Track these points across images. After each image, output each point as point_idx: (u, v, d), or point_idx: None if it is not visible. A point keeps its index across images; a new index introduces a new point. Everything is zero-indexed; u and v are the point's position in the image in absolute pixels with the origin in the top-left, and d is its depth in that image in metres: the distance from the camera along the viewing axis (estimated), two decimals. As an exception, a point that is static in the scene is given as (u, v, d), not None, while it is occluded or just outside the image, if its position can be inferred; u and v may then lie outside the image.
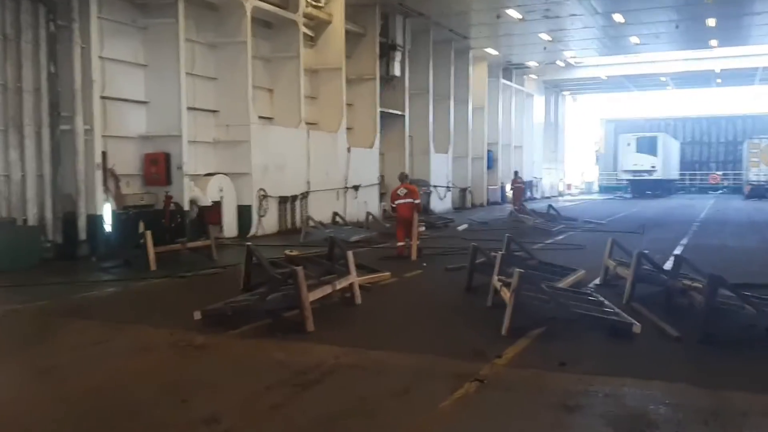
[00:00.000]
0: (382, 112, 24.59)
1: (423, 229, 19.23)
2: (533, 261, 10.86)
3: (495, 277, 8.58)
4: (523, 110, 40.67)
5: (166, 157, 15.86)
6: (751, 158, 41.14)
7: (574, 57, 38.39)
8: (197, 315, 7.86)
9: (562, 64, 39.91)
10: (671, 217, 26.04)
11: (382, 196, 24.76)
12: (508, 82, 37.78)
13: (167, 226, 15.37)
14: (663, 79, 44.27)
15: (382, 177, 24.97)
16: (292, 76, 20.11)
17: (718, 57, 38.20)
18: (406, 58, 25.96)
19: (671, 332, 7.18)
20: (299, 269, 7.62)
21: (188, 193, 16.10)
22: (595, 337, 7.17)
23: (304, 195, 20.23)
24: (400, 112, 26.03)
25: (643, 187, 43.38)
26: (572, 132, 53.90)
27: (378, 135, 24.35)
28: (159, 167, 15.81)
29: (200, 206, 16.53)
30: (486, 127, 34.34)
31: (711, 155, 54.03)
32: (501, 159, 36.37)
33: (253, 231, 18.18)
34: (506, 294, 7.60)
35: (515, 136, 38.83)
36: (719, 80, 44.61)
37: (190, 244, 13.69)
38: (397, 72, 25.39)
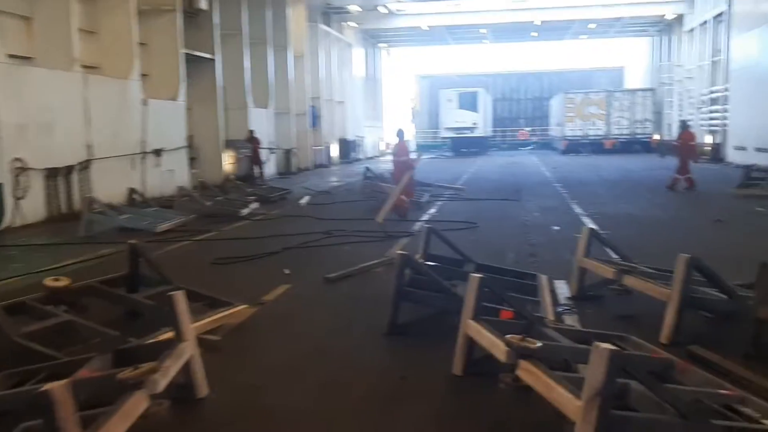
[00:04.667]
0: (187, 55, 19.19)
1: (256, 206, 14.57)
2: (471, 266, 6.93)
3: (480, 328, 4.47)
4: (344, 62, 36.71)
5: None
6: (566, 113, 41.12)
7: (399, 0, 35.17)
8: None
9: (384, 10, 36.36)
10: (519, 176, 23.84)
11: (192, 162, 19.49)
12: (329, 29, 33.47)
13: None
14: (483, 31, 42.75)
15: (191, 138, 19.64)
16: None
17: (538, 8, 37.16)
18: (214, -13, 20.64)
19: None
20: (56, 390, 2.90)
21: None
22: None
23: (84, 165, 14.50)
24: (209, 56, 20.72)
25: (463, 145, 41.79)
26: (390, 88, 51.17)
27: (183, 84, 18.93)
28: None
29: None
30: (308, 79, 29.85)
31: (520, 111, 54.49)
32: (325, 115, 32.20)
33: (6, 221, 12.33)
34: (538, 380, 3.58)
35: (337, 91, 34.83)
36: (535, 33, 44.09)
37: None
38: (203, 5, 20.01)
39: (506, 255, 9.19)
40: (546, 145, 47.98)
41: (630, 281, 6.06)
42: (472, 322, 4.60)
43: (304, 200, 16.18)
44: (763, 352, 4.92)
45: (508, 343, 3.92)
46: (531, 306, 5.96)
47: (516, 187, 19.18)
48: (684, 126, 19.83)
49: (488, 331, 4.37)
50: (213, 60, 20.97)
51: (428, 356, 5.08)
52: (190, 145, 19.51)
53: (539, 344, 3.87)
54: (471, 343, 4.64)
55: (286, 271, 8.15)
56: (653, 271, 6.34)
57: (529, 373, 3.76)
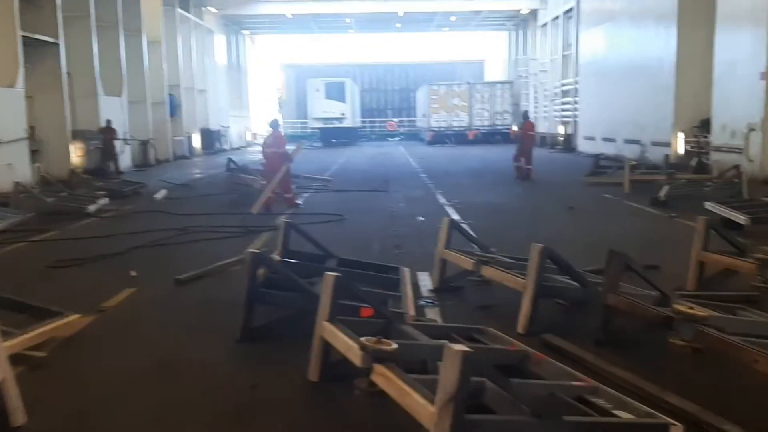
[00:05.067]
0: (25, 38, 17.42)
1: (105, 201, 13.52)
2: (333, 261, 6.67)
3: (336, 330, 4.20)
4: (204, 49, 35.20)
5: None
6: (431, 104, 41.96)
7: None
8: None
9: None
10: (387, 167, 23.94)
11: (35, 154, 17.81)
12: (186, 14, 31.93)
13: None
14: (348, 20, 42.61)
15: (32, 129, 17.92)
16: None
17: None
18: (54, -37, 18.89)
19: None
20: None
21: None
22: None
23: None
24: (51, 39, 18.98)
25: (332, 135, 41.56)
26: (255, 77, 49.86)
27: (22, 70, 17.20)
28: None
29: None
30: (165, 66, 28.30)
31: (388, 102, 55.04)
32: (185, 105, 30.73)
33: None
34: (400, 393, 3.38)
35: (198, 79, 33.36)
36: (399, 24, 44.59)
37: None
38: (42, -18, 18.29)
39: (371, 247, 9.03)
40: (413, 135, 48.77)
41: (488, 272, 6.05)
42: (327, 324, 4.33)
43: (160, 194, 15.23)
44: (612, 339, 5.04)
45: (362, 347, 3.68)
46: (392, 301, 5.80)
47: (384, 177, 19.18)
48: (525, 116, 20.80)
49: (343, 333, 4.12)
50: (56, 44, 19.24)
51: (283, 362, 4.76)
52: (32, 137, 17.80)
53: (395, 346, 3.66)
54: (327, 347, 4.38)
55: (133, 273, 7.49)
56: (511, 261, 6.39)
57: (383, 378, 3.54)
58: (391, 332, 4.52)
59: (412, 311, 5.39)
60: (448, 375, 2.99)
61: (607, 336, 5.06)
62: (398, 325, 4.60)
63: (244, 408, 4.10)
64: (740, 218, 9.38)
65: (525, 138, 19.09)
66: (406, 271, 6.71)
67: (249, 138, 45.36)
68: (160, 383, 4.53)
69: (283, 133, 14.69)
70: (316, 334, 4.41)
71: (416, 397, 3.24)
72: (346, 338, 4.04)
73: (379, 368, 3.59)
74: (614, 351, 4.85)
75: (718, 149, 17.53)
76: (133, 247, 9.01)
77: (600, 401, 3.78)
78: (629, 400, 3.73)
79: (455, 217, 11.38)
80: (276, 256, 6.25)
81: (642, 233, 10.03)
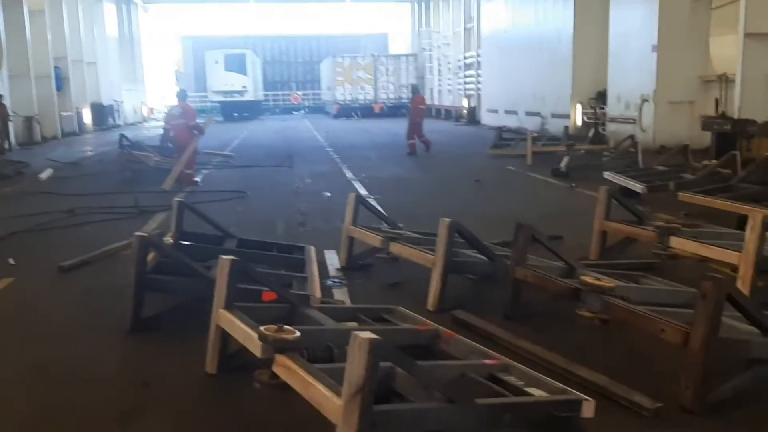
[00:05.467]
0: None
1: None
2: (233, 242, 6.30)
3: (234, 318, 3.87)
4: (93, 18, 33.03)
5: None
6: (336, 77, 41.42)
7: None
8: None
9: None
10: (292, 142, 23.41)
11: None
12: (71, -20, 29.76)
13: None
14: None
15: None
16: None
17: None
18: None
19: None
20: None
21: None
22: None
23: None
24: None
25: (233, 109, 40.25)
26: (150, 49, 47.44)
27: None
28: None
29: None
30: (50, 37, 26.30)
31: (291, 75, 53.91)
32: (73, 78, 28.79)
33: None
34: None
35: (87, 51, 31.32)
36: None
37: None
38: None
39: (275, 226, 8.68)
40: (319, 109, 48.07)
41: (396, 248, 5.86)
42: (224, 312, 4.00)
43: (45, 174, 14.13)
44: (522, 313, 4.98)
45: (261, 336, 3.38)
46: (297, 283, 5.52)
47: (288, 152, 18.70)
48: (415, 90, 19.75)
49: (242, 321, 3.81)
50: None
51: (178, 354, 4.40)
52: None
53: (297, 334, 3.39)
54: (225, 336, 4.05)
55: (11, 261, 6.82)
56: (420, 236, 6.24)
57: (285, 369, 3.27)
58: (295, 317, 4.25)
59: (318, 293, 5.14)
60: (355, 365, 2.76)
61: (517, 310, 5.00)
62: (303, 310, 4.33)
63: (132, 409, 3.73)
64: (637, 187, 9.66)
65: (415, 112, 18.44)
66: (311, 250, 6.43)
67: (145, 113, 43.25)
68: (38, 384, 4.07)
69: (191, 105, 14.12)
70: (213, 323, 4.08)
71: (321, 389, 3.00)
72: (244, 327, 3.72)
73: (280, 359, 3.31)
74: (524, 325, 4.79)
75: (613, 120, 18.16)
76: (13, 232, 8.24)
77: (512, 379, 3.67)
78: (541, 376, 3.64)
79: (362, 192, 11.20)
80: (169, 239, 5.81)
81: (545, 204, 10.18)
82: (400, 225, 6.73)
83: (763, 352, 3.69)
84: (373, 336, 2.77)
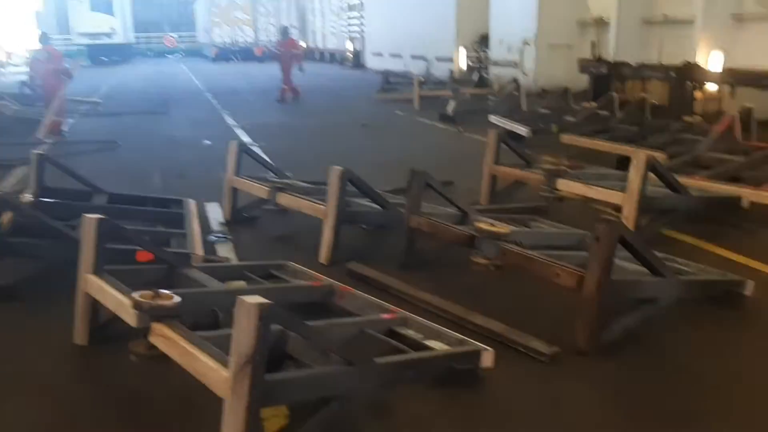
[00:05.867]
0: None
1: None
2: (102, 197, 5.73)
3: (103, 284, 3.45)
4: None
5: None
6: (213, 18, 39.38)
7: None
8: None
9: None
10: (167, 87, 22.02)
11: None
12: None
13: None
14: None
15: None
16: None
17: None
18: None
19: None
20: None
21: None
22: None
23: None
24: None
25: (101, 53, 37.36)
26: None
27: None
28: None
29: None
30: None
31: (164, 16, 50.74)
32: None
33: None
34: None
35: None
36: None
37: None
38: None
39: (151, 179, 8.06)
40: (195, 52, 45.62)
41: (284, 200, 5.55)
42: (91, 277, 3.57)
43: None
44: (417, 262, 4.86)
45: (135, 304, 3.02)
46: (176, 240, 5.10)
47: (164, 98, 17.55)
48: (285, 33, 18.29)
49: (113, 287, 3.41)
50: None
51: (43, 325, 3.92)
52: None
53: (177, 299, 3.05)
54: (95, 304, 3.63)
55: None
56: (309, 186, 5.95)
57: (163, 339, 2.94)
58: (174, 279, 3.90)
59: (199, 250, 4.76)
60: (242, 334, 2.48)
61: (412, 259, 4.87)
62: (182, 270, 3.98)
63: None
64: (522, 130, 9.78)
65: (284, 57, 17.15)
66: (191, 204, 5.99)
67: (3, 58, 39.30)
68: None
69: (54, 47, 12.95)
70: (80, 290, 3.64)
71: (205, 360, 2.70)
72: (116, 293, 3.33)
73: (158, 327, 2.98)
74: (420, 274, 4.67)
75: (496, 64, 18.36)
76: None
77: (410, 332, 3.54)
78: (439, 327, 3.53)
79: (245, 139, 10.70)
80: (28, 197, 5.19)
81: (434, 149, 10.14)
82: (288, 174, 6.40)
83: (653, 291, 3.76)
84: (262, 300, 2.49)
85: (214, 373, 2.64)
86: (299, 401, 2.76)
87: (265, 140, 10.68)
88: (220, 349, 2.71)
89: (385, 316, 3.65)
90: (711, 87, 11.61)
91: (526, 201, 6.50)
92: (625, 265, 3.98)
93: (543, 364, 3.49)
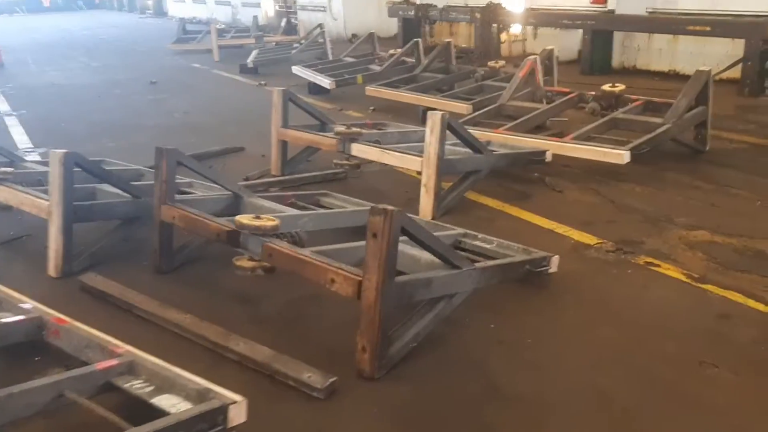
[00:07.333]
0: None
1: None
2: None
3: None
4: None
5: None
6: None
7: None
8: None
9: None
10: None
11: None
12: None
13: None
14: None
15: None
16: None
17: None
18: None
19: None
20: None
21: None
22: None
23: None
24: None
25: None
26: None
27: None
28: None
29: None
30: None
31: None
32: None
33: None
34: None
35: None
36: None
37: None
38: None
39: None
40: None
41: (2, 194, 4.28)
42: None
43: None
44: (174, 263, 3.90)
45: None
46: None
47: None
48: None
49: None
50: None
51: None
52: None
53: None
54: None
55: None
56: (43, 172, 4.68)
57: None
58: None
59: None
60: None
61: (169, 261, 3.89)
62: None
63: None
64: (325, 82, 8.93)
65: None
66: None
67: None
68: None
69: None
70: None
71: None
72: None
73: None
74: (177, 281, 3.73)
75: (304, 9, 17.25)
76: None
77: (135, 385, 2.60)
78: (178, 372, 2.60)
79: (3, 107, 8.96)
80: None
81: (229, 107, 9.02)
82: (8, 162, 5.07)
83: (445, 288, 3.09)
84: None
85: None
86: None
87: (27, 107, 8.99)
88: None
89: (103, 364, 2.68)
90: (516, 29, 11.45)
91: (321, 169, 5.69)
92: (417, 254, 3.30)
93: (317, 402, 2.72)
